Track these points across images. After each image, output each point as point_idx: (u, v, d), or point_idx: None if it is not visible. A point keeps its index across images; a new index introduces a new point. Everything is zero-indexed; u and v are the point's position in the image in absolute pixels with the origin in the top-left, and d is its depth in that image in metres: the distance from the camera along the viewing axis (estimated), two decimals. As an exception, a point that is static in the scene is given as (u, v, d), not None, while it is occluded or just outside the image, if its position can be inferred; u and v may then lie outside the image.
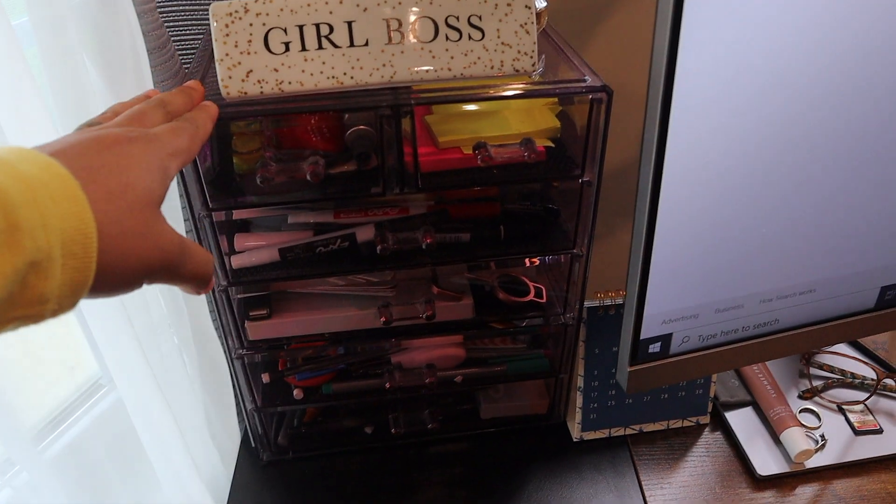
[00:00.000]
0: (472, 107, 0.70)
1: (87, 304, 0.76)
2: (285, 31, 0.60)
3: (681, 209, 0.56)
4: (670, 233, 0.56)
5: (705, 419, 0.88)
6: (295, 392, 0.78)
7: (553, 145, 0.69)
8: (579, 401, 0.83)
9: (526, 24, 0.63)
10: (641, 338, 0.61)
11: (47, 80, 0.61)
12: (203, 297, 0.67)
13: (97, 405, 0.92)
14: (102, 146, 0.39)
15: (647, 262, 0.57)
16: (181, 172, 0.61)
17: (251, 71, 0.60)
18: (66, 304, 0.34)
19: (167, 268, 0.40)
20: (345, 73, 0.61)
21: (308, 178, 0.63)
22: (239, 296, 0.73)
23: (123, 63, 0.64)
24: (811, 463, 0.81)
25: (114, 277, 0.36)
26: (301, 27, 0.60)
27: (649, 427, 0.87)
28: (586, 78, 0.64)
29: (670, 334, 0.63)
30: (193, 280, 0.43)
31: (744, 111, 0.52)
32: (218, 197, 0.64)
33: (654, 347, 0.63)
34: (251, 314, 0.73)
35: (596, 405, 0.84)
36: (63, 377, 0.93)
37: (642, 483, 0.81)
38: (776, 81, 0.52)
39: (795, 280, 0.63)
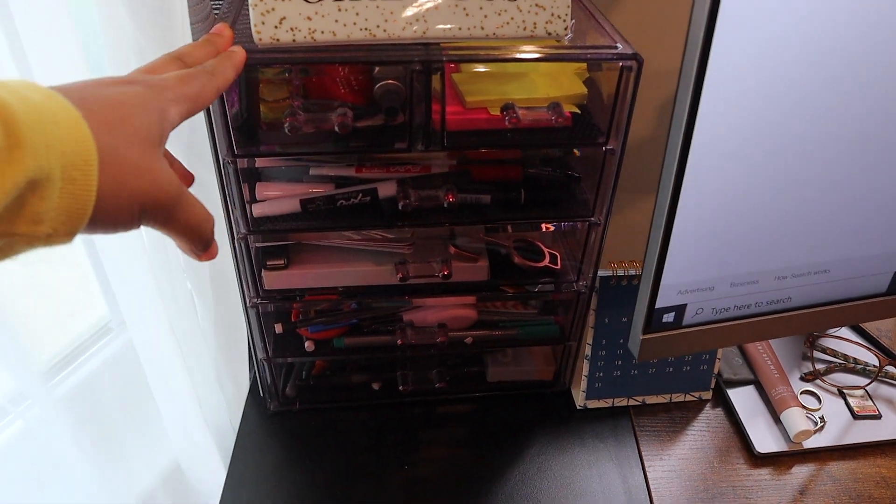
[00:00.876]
0: (499, 68, 0.70)
1: (103, 244, 0.76)
2: (321, -22, 0.60)
3: (705, 181, 0.56)
4: (693, 204, 0.57)
5: (707, 395, 0.89)
6: (306, 344, 0.78)
7: (579, 112, 0.69)
8: (585, 369, 0.84)
9: (561, -14, 0.63)
10: (656, 307, 0.62)
11: (86, 27, 0.61)
12: (226, 243, 0.68)
13: (106, 347, 0.93)
14: (101, 84, 0.40)
15: (668, 231, 0.58)
16: (209, 117, 0.61)
17: (284, 18, 0.60)
18: (60, 230, 0.34)
19: (162, 208, 0.40)
20: (378, 26, 0.61)
21: (336, 128, 0.63)
22: (257, 244, 0.74)
23: (161, 5, 0.64)
24: (809, 443, 0.83)
25: (110, 210, 0.37)
26: (337, -24, 0.60)
27: (652, 399, 0.88)
28: (617, 45, 0.64)
29: (685, 305, 0.63)
30: (188, 232, 0.43)
31: (774, 88, 0.52)
32: (243, 143, 0.65)
33: (668, 317, 0.63)
34: (268, 263, 0.74)
35: (601, 374, 0.85)
36: (72, 319, 0.94)
37: (642, 453, 0.82)
38: (809, 61, 0.52)
39: (811, 259, 0.64)
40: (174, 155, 0.73)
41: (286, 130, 0.64)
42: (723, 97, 0.52)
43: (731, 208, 0.58)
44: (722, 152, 0.55)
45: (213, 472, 0.91)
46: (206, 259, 0.47)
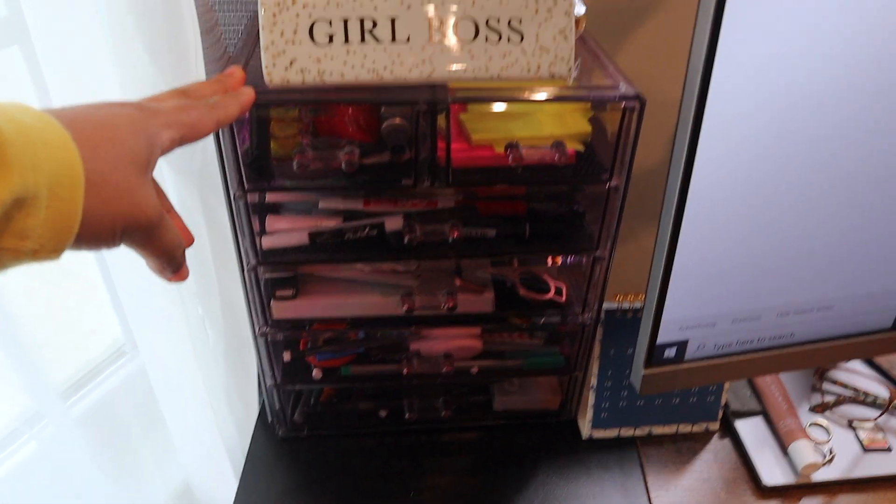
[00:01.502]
0: (505, 107, 0.71)
1: (114, 266, 0.78)
2: (330, 23, 0.62)
3: (706, 218, 0.57)
4: (694, 241, 0.58)
5: (715, 426, 0.89)
6: (314, 372, 0.80)
7: (583, 149, 0.71)
8: (591, 399, 0.84)
9: (565, 30, 0.64)
10: (658, 342, 0.63)
11: (111, 67, 0.63)
12: (235, 271, 0.69)
13: (122, 369, 0.95)
14: (92, 107, 0.41)
15: (668, 267, 0.58)
16: (220, 152, 0.63)
17: (294, 60, 0.62)
18: (46, 246, 0.35)
19: (141, 230, 0.41)
20: (385, 68, 0.63)
21: (343, 166, 0.65)
22: (267, 275, 0.75)
23: (175, 46, 0.66)
24: (818, 476, 0.82)
25: (93, 228, 0.38)
26: (346, 20, 0.62)
27: (659, 430, 0.88)
28: (620, 85, 0.65)
29: (686, 340, 0.64)
30: (164, 255, 0.45)
31: (775, 127, 0.53)
32: (254, 178, 0.66)
33: (670, 352, 0.64)
34: (277, 294, 0.75)
35: (607, 404, 0.85)
36: (86, 343, 0.96)
37: (648, 484, 0.82)
38: (811, 97, 0.53)
39: (814, 295, 0.64)
40: (187, 186, 0.76)
41: (295, 168, 0.65)
42: (723, 134, 0.53)
43: (732, 245, 0.59)
44: (722, 189, 0.56)
45: (223, 493, 0.92)
46: (176, 280, 0.48)
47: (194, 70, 0.67)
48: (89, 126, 0.39)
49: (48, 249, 0.36)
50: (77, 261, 0.89)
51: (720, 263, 0.60)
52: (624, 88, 0.65)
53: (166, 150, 0.44)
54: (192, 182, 0.75)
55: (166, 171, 0.74)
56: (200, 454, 0.91)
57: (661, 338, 0.62)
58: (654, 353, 0.63)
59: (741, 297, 0.62)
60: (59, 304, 0.92)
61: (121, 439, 0.93)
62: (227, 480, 0.91)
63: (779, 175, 0.56)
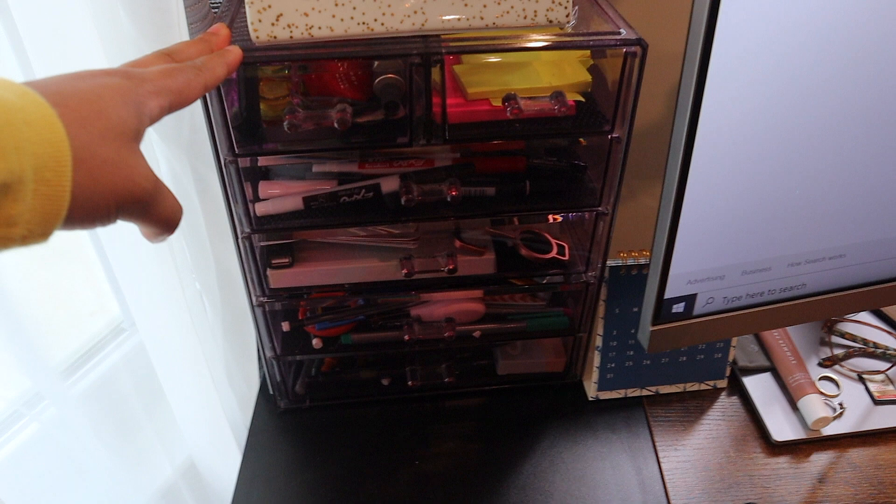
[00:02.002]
0: (501, 59, 0.68)
1: (110, 246, 0.76)
2: (316, -27, 0.59)
3: (713, 166, 0.54)
4: (701, 190, 0.55)
5: (723, 383, 0.88)
6: (314, 341, 0.78)
7: (583, 100, 0.68)
8: (597, 360, 0.83)
9: (562, -27, 0.62)
10: (665, 297, 0.61)
11: (91, 27, 0.61)
12: (231, 243, 0.67)
13: (121, 346, 0.93)
14: (78, 77, 0.39)
15: (675, 219, 0.56)
16: (208, 116, 0.61)
17: (281, 15, 0.59)
18: (36, 230, 0.34)
19: (139, 202, 0.39)
20: (375, 20, 0.60)
21: (335, 125, 0.62)
22: (261, 244, 0.73)
23: (157, 4, 0.63)
24: (828, 430, 0.81)
25: (86, 207, 0.36)
26: (332, -31, 0.59)
27: (666, 389, 0.87)
28: (621, 31, 0.63)
29: (695, 295, 0.62)
30: (161, 223, 0.43)
31: (784, 71, 0.51)
32: (244, 142, 0.64)
33: (678, 307, 0.62)
34: (273, 262, 0.73)
35: (613, 365, 0.84)
36: (84, 322, 0.94)
37: (656, 444, 0.81)
38: (820, 42, 0.50)
39: (826, 244, 0.62)
40: (177, 156, 0.74)
41: (286, 128, 0.63)
42: (730, 80, 0.50)
43: (741, 194, 0.57)
44: (730, 134, 0.53)
45: (228, 467, 0.91)
46: (163, 240, 0.46)
47: (177, 30, 0.65)
48: (74, 99, 0.36)
49: (37, 234, 0.34)
50: (72, 239, 0.87)
51: (729, 213, 0.57)
52: (625, 33, 0.62)
53: (155, 118, 0.42)
54: (181, 151, 0.73)
55: (155, 141, 0.71)
56: (203, 429, 0.89)
57: (669, 293, 0.61)
58: (662, 309, 0.61)
59: (751, 247, 0.60)
60: (55, 283, 0.90)
61: (123, 417, 0.92)
62: (230, 454, 0.89)
63: (789, 117, 0.53)
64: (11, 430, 0.81)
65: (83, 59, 0.62)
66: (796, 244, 0.62)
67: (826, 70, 0.52)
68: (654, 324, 0.62)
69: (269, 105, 0.66)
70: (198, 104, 0.65)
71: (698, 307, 0.63)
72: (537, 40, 0.61)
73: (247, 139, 0.64)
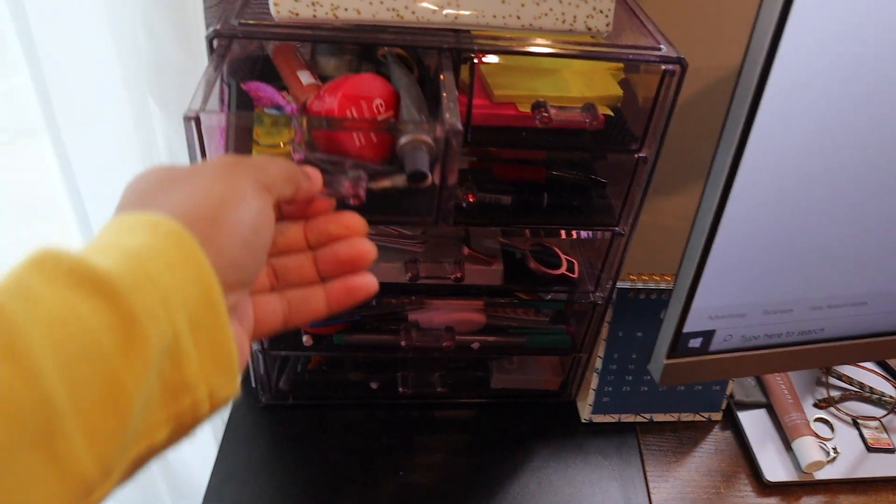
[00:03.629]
0: (532, 62, 0.65)
1: (100, 222, 0.72)
2: (348, -50, 0.55)
3: (753, 200, 0.52)
4: (737, 224, 0.53)
5: (717, 416, 0.85)
6: (304, 338, 0.74)
7: (612, 114, 0.65)
8: (594, 382, 0.80)
9: (606, -22, 0.58)
10: (684, 331, 0.58)
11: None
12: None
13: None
14: (201, 187, 0.34)
15: (706, 251, 0.53)
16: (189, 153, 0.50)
17: (305, -10, 0.55)
18: (218, 381, 0.29)
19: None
20: (406, 7, 0.56)
21: (348, 200, 0.50)
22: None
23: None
24: (820, 474, 0.79)
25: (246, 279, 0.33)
26: (366, -51, 0.55)
27: (660, 417, 0.84)
28: (661, 46, 0.59)
29: (713, 331, 0.59)
30: (291, 189, 0.39)
31: (842, 99, 0.48)
32: None
33: (695, 342, 0.59)
34: (270, 252, 0.69)
35: (610, 389, 0.81)
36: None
37: (647, 474, 0.79)
38: (879, 84, 0.48)
39: (852, 290, 0.60)
40: (176, 128, 0.69)
41: None
42: (780, 112, 0.47)
43: (776, 232, 0.54)
44: (773, 171, 0.51)
45: (200, 457, 0.87)
46: (310, 190, 0.41)
47: (193, 13, 0.60)
48: (204, 215, 0.32)
49: (222, 383, 0.30)
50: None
51: (761, 249, 0.55)
52: (665, 49, 0.59)
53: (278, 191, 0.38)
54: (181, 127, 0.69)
55: (157, 117, 0.67)
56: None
57: (688, 326, 0.58)
58: (679, 343, 0.59)
59: (777, 287, 0.58)
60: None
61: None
62: (204, 444, 0.85)
63: (838, 155, 0.51)
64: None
65: (89, 39, 0.57)
66: (822, 287, 0.59)
67: (877, 110, 0.49)
68: (669, 357, 0.59)
69: (262, 153, 0.55)
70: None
71: (715, 343, 0.60)
72: (574, 48, 0.58)
73: None
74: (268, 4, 0.55)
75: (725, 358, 0.61)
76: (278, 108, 0.52)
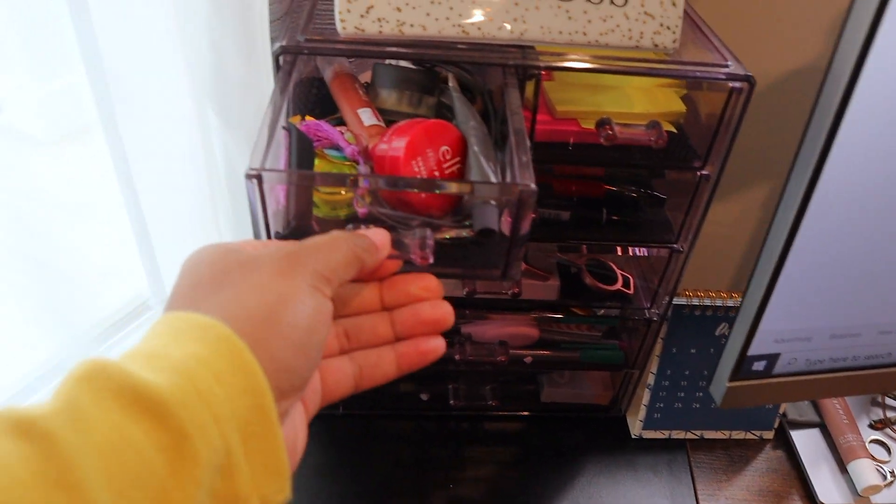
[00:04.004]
0: (595, 78, 0.64)
1: (154, 227, 0.73)
2: (416, -34, 0.55)
3: (827, 223, 0.50)
4: (808, 248, 0.51)
5: (769, 434, 0.84)
6: (358, 349, 0.74)
7: (675, 130, 0.64)
8: (646, 398, 0.79)
9: (676, -6, 0.57)
10: (749, 353, 0.57)
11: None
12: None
13: (146, 324, 0.89)
14: (254, 287, 0.33)
15: (776, 275, 0.52)
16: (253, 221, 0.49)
17: (372, 6, 0.55)
18: (270, 488, 0.29)
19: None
20: (472, 23, 0.56)
21: (415, 259, 0.47)
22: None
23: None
24: (877, 498, 0.78)
25: (299, 383, 0.33)
26: (434, -35, 0.55)
27: (711, 434, 0.83)
28: (728, 63, 0.58)
29: (778, 354, 0.58)
30: (354, 271, 0.38)
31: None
32: None
33: (759, 365, 0.58)
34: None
35: (661, 405, 0.80)
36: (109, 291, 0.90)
37: (698, 493, 0.78)
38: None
39: (923, 315, 0.58)
40: (236, 139, 0.70)
41: None
42: (867, 118, 0.46)
43: (850, 255, 0.53)
44: (850, 194, 0.49)
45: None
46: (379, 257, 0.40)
47: (259, 25, 0.60)
48: (257, 318, 0.31)
49: (274, 490, 0.30)
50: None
51: (833, 273, 0.54)
52: (732, 66, 0.58)
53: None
54: (242, 141, 0.69)
55: (216, 127, 0.67)
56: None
57: (753, 350, 0.57)
58: (743, 365, 0.57)
59: (847, 310, 0.56)
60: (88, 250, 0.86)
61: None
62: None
63: (917, 182, 0.49)
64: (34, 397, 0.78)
65: (157, 48, 0.58)
66: (891, 312, 0.58)
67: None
68: (731, 380, 0.58)
69: (325, 199, 0.53)
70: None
71: (779, 367, 0.59)
72: (641, 65, 0.57)
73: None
74: (332, 19, 0.55)
75: (789, 381, 0.60)
76: (338, 148, 0.52)
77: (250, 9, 0.60)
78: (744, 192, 1.03)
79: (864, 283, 0.55)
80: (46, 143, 0.74)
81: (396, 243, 0.47)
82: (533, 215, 0.47)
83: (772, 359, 0.58)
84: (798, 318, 0.56)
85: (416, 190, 0.48)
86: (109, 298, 0.87)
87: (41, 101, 0.72)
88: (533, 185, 0.46)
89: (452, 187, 0.47)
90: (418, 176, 0.51)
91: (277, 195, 0.49)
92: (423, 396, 0.81)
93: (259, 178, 0.45)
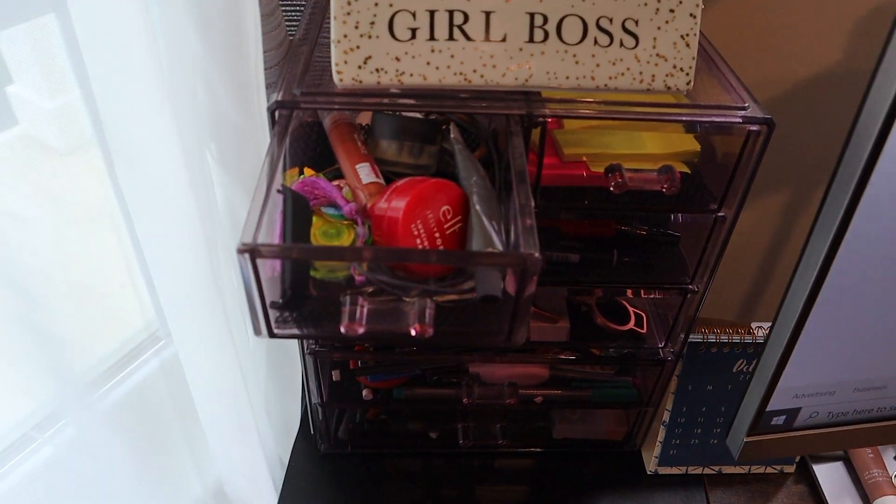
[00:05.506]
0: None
1: (151, 252, 0.71)
2: (414, 15, 0.53)
3: (854, 273, 0.48)
4: (831, 302, 0.49)
5: (791, 468, 0.81)
6: (364, 392, 0.73)
7: (689, 171, 0.61)
8: (661, 434, 0.77)
9: (688, 35, 0.55)
10: (767, 409, 0.55)
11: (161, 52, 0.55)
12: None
13: (152, 359, 0.89)
14: None
15: (796, 332, 0.50)
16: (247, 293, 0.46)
17: (370, 57, 0.53)
18: None
19: None
20: (475, 71, 0.54)
21: (414, 333, 0.45)
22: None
23: (231, 27, 0.57)
24: (903, 536, 0.75)
25: None
26: (432, 13, 0.53)
27: (729, 469, 0.81)
28: (746, 105, 0.56)
29: (799, 408, 0.56)
30: None
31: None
32: (283, 325, 0.49)
33: (778, 420, 0.56)
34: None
35: (677, 441, 0.78)
36: (114, 326, 0.89)
37: (717, 531, 0.76)
38: None
39: (952, 367, 0.56)
40: (235, 186, 0.68)
41: (342, 329, 0.46)
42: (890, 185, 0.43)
43: (875, 307, 0.50)
44: (879, 244, 0.47)
45: (260, 494, 0.87)
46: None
47: (254, 60, 0.58)
48: None
49: None
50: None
51: (858, 325, 0.51)
52: (751, 109, 0.55)
53: None
54: (239, 182, 0.68)
55: (213, 168, 0.66)
56: (235, 455, 0.85)
57: (772, 405, 0.54)
58: (761, 421, 0.55)
59: (871, 364, 0.54)
60: (87, 292, 0.85)
61: (152, 431, 0.88)
62: (263, 488, 0.85)
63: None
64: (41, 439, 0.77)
65: (146, 87, 0.56)
66: (919, 363, 0.55)
67: None
68: (749, 434, 0.56)
69: (322, 262, 0.51)
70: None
71: (800, 420, 0.57)
72: (654, 110, 0.55)
73: (286, 322, 0.49)
74: (329, 69, 0.53)
75: (810, 434, 0.58)
76: (335, 206, 0.50)
77: (245, 57, 0.58)
78: (751, 212, 1.00)
79: (889, 337, 0.52)
80: (64, 152, 0.74)
81: (394, 314, 0.46)
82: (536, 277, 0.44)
83: (792, 413, 0.56)
84: (820, 374, 0.54)
85: (415, 261, 0.46)
86: (110, 335, 0.86)
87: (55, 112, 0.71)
88: (538, 255, 0.44)
89: (454, 259, 0.45)
90: (417, 238, 0.49)
91: (273, 262, 0.48)
92: (432, 435, 0.79)
93: (252, 252, 0.43)
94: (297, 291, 0.48)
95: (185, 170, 0.61)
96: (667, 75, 0.55)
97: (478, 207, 0.49)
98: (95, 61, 0.55)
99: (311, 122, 0.63)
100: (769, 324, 0.72)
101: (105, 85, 0.55)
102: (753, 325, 0.74)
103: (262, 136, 0.65)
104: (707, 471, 0.80)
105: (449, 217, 0.50)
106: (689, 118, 0.56)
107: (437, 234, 0.49)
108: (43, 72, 0.68)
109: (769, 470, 0.81)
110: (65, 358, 0.71)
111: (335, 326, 0.48)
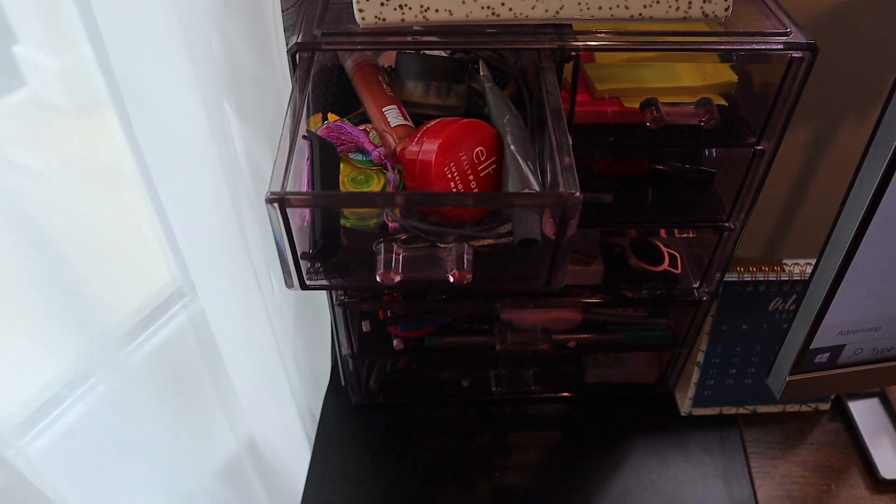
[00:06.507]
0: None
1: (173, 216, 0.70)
2: (438, -54, 0.50)
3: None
4: (879, 237, 0.47)
5: (826, 406, 0.80)
6: (395, 342, 0.72)
7: (726, 104, 0.59)
8: (695, 376, 0.76)
9: (727, -43, 0.52)
10: (811, 347, 0.53)
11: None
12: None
13: (176, 317, 0.88)
14: None
15: (844, 267, 0.48)
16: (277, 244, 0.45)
17: (393, -8, 0.50)
18: None
19: None
20: (503, 4, 0.51)
21: (450, 277, 0.44)
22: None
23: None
24: (941, 470, 0.74)
25: None
26: (458, -57, 0.50)
27: (763, 409, 0.80)
28: (788, 29, 0.53)
29: (843, 345, 0.54)
30: None
31: None
32: (315, 276, 0.49)
33: (822, 357, 0.55)
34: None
35: (712, 382, 0.77)
36: (140, 284, 0.89)
37: (752, 471, 0.75)
38: None
39: None
40: (255, 136, 0.66)
41: (378, 278, 0.45)
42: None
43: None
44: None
45: (295, 454, 0.88)
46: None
47: (272, 16, 0.56)
48: None
49: None
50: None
51: (906, 262, 0.49)
52: (793, 34, 0.52)
53: None
54: (261, 132, 0.66)
55: (234, 122, 0.64)
56: (266, 409, 0.85)
57: (816, 343, 0.53)
58: (804, 359, 0.54)
59: (920, 298, 0.52)
60: (109, 250, 0.84)
61: (183, 386, 0.88)
62: (298, 445, 0.86)
63: None
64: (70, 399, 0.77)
65: (163, 44, 0.54)
66: (970, 295, 0.53)
67: None
68: (792, 373, 0.55)
69: (353, 210, 0.50)
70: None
71: (844, 357, 0.55)
72: (692, 38, 0.52)
73: (318, 273, 0.49)
74: (348, 9, 0.51)
75: (854, 371, 0.56)
76: (363, 152, 0.49)
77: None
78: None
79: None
80: (71, 113, 0.72)
81: (431, 260, 0.44)
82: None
83: (836, 350, 0.55)
84: (866, 308, 0.52)
85: (449, 205, 0.44)
86: (135, 292, 0.86)
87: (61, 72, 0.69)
88: (578, 194, 0.42)
89: (492, 202, 0.43)
90: (451, 181, 0.47)
91: (302, 212, 0.46)
92: (464, 383, 0.79)
93: (281, 202, 0.42)
94: (327, 241, 0.47)
95: (206, 122, 0.60)
96: (704, 2, 0.52)
97: (512, 147, 0.47)
98: (107, 17, 0.53)
99: (330, 65, 0.60)
100: (804, 260, 0.71)
101: (118, 40, 0.53)
102: (787, 261, 0.72)
103: (281, 82, 0.63)
104: (742, 410, 0.80)
105: (482, 158, 0.48)
106: (729, 46, 0.53)
107: (471, 177, 0.48)
108: (49, 32, 0.66)
109: (804, 408, 0.80)
110: (91, 316, 0.70)
111: (368, 276, 0.47)
